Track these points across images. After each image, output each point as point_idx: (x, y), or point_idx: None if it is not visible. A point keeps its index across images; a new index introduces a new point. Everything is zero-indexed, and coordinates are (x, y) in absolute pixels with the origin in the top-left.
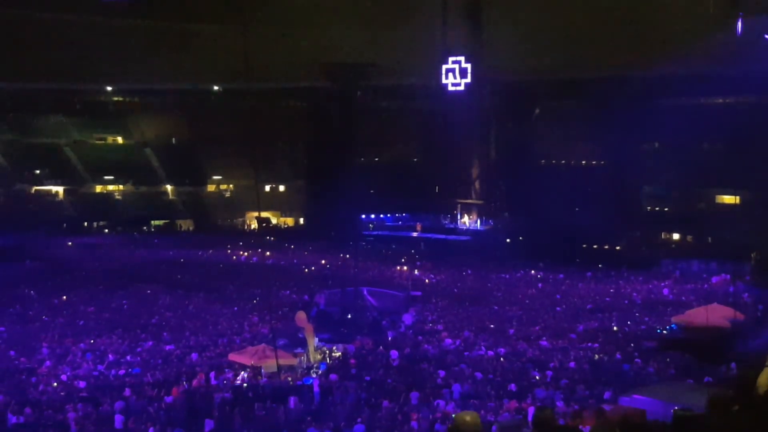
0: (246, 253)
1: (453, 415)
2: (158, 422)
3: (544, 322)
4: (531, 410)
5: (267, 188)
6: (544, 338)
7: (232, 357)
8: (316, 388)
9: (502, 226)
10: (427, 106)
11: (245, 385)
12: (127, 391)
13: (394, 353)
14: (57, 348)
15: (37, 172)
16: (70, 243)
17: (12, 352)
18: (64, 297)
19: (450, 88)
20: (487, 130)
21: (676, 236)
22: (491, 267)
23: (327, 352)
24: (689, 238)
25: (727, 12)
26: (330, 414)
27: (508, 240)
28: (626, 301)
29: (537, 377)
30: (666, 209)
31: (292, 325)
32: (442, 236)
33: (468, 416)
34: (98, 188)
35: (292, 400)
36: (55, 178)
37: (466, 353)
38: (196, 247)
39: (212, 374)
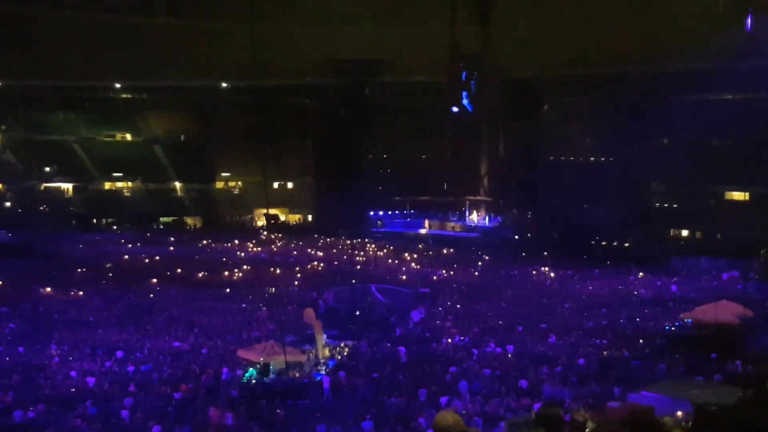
0: (254, 250)
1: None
2: (167, 418)
3: (553, 318)
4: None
5: (275, 185)
6: (553, 335)
7: (241, 353)
8: (325, 385)
9: (510, 222)
10: (435, 103)
11: (254, 381)
12: (136, 388)
13: (402, 350)
14: (66, 344)
15: (47, 169)
16: (79, 240)
17: (22, 348)
18: (73, 293)
19: (459, 84)
20: (495, 127)
21: (685, 233)
22: (499, 263)
23: (335, 348)
24: (698, 234)
25: (737, 8)
26: (339, 410)
27: (516, 236)
28: (635, 298)
29: (546, 374)
30: (675, 206)
31: (301, 322)
32: (451, 233)
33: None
34: (107, 185)
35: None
36: (64, 175)
37: (474, 350)
38: (205, 244)
39: (223, 370)
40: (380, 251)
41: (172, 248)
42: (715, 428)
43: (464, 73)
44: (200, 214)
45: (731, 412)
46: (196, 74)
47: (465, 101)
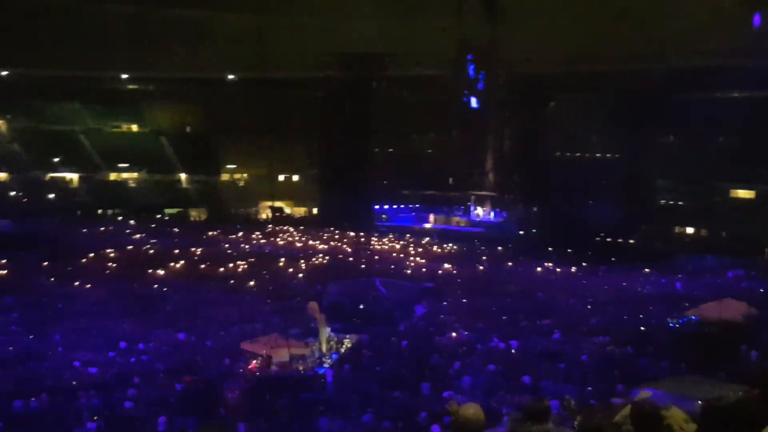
0: (259, 242)
1: (451, 408)
2: (169, 410)
3: (557, 314)
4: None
5: (281, 178)
6: (557, 331)
7: (244, 346)
8: (329, 378)
9: (515, 218)
10: (442, 97)
11: (257, 374)
12: (139, 379)
13: (405, 344)
14: (69, 334)
15: (55, 160)
16: (84, 230)
17: (25, 338)
18: (77, 284)
19: (465, 79)
20: (501, 122)
21: (690, 230)
22: (504, 259)
23: (339, 342)
24: (703, 232)
25: (744, 5)
26: (341, 404)
27: (521, 232)
28: (639, 295)
29: (549, 369)
30: (680, 203)
31: (304, 315)
32: (456, 228)
33: (471, 409)
34: (112, 176)
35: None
36: (70, 165)
37: (478, 345)
38: (210, 236)
39: (225, 362)
40: (385, 245)
41: (176, 239)
42: (722, 425)
43: (471, 68)
44: (205, 206)
45: (738, 409)
46: (203, 66)
47: (471, 96)
